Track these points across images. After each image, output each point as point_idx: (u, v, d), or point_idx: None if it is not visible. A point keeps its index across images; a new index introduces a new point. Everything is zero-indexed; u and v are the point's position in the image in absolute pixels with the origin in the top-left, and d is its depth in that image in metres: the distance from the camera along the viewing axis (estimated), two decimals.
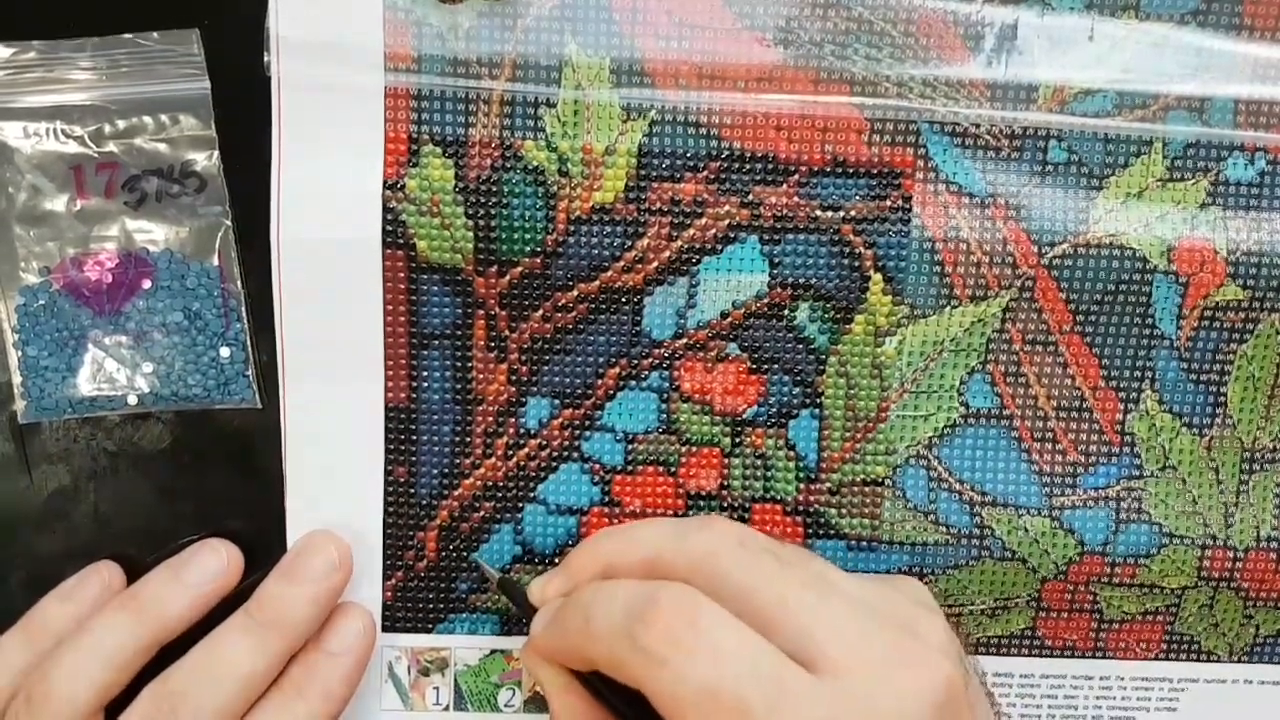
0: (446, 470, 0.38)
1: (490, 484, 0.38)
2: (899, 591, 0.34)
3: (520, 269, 0.37)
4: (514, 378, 0.38)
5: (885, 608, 0.32)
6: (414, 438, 0.38)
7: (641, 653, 0.29)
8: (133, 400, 0.38)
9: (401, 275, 0.37)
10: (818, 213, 0.37)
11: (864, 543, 0.39)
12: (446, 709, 0.40)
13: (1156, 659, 0.40)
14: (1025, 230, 0.37)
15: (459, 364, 0.38)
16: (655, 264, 0.37)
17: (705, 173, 0.37)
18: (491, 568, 0.38)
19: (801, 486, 0.39)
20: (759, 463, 0.38)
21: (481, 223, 0.37)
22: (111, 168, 0.37)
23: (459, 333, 0.37)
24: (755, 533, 0.34)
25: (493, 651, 0.40)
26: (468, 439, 0.38)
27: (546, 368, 0.38)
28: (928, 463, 0.38)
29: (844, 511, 0.39)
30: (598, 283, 0.37)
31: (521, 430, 0.38)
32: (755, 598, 0.31)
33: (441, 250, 0.37)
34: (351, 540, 0.37)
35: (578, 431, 0.38)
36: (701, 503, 0.39)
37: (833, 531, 0.39)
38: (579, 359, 0.38)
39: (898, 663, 0.30)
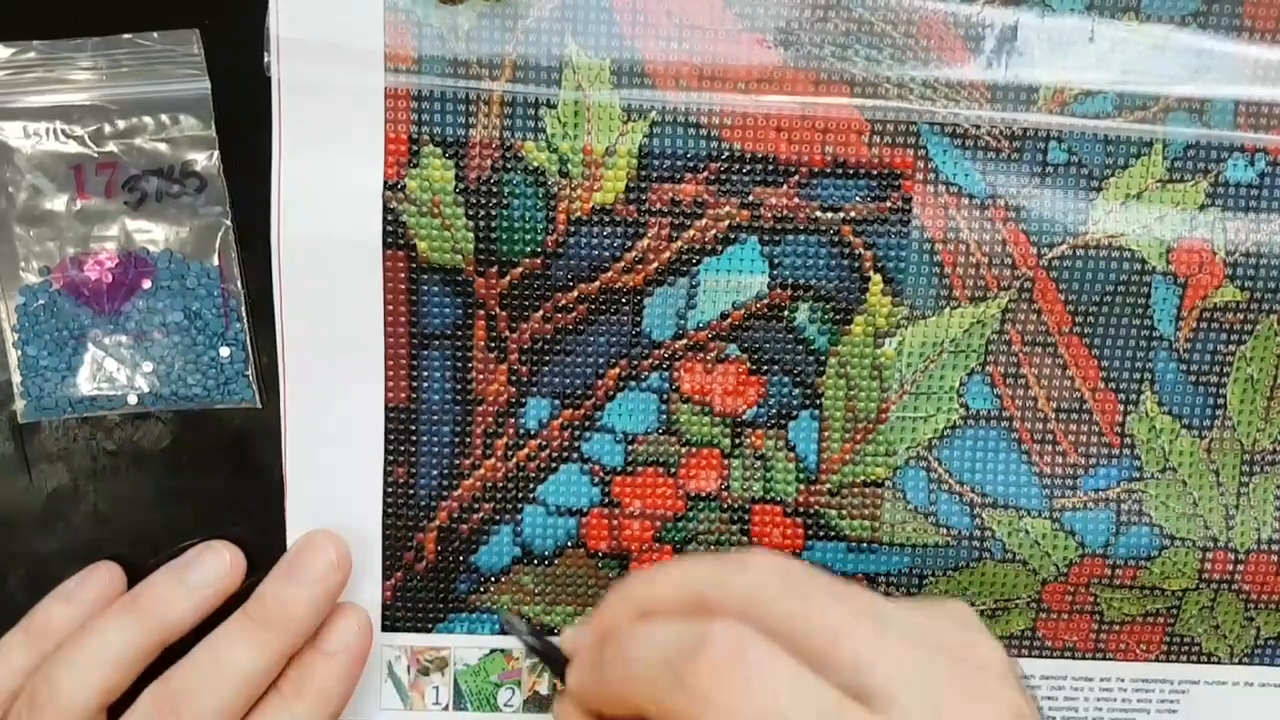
0: (446, 470, 0.38)
1: (490, 484, 0.38)
2: (950, 618, 0.32)
3: (520, 269, 0.37)
4: (514, 378, 0.38)
5: (940, 637, 0.30)
6: (414, 438, 0.38)
7: (689, 691, 0.27)
8: (132, 400, 0.38)
9: (402, 276, 0.37)
10: (818, 214, 0.37)
11: (864, 544, 0.39)
12: (446, 708, 0.40)
13: (1157, 660, 0.40)
14: (1025, 231, 0.37)
15: (459, 364, 0.38)
16: (655, 265, 0.37)
17: (705, 174, 0.37)
18: (520, 620, 0.37)
19: (801, 488, 0.39)
20: (759, 464, 0.38)
21: (482, 223, 0.37)
22: (111, 167, 0.37)
23: (459, 333, 0.37)
24: (800, 563, 0.32)
25: (492, 651, 0.40)
26: (467, 439, 0.38)
27: (546, 368, 0.38)
28: (928, 464, 0.38)
29: (844, 513, 0.39)
30: (598, 283, 0.37)
31: (521, 431, 0.38)
32: (806, 634, 0.29)
33: (442, 251, 0.37)
34: (351, 540, 0.37)
35: (578, 432, 0.38)
36: (701, 504, 0.39)
37: (833, 533, 0.39)
38: (579, 359, 0.38)
39: (960, 696, 0.29)
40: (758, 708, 0.27)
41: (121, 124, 0.37)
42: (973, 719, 0.28)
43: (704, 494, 0.39)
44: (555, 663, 0.34)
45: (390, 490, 0.38)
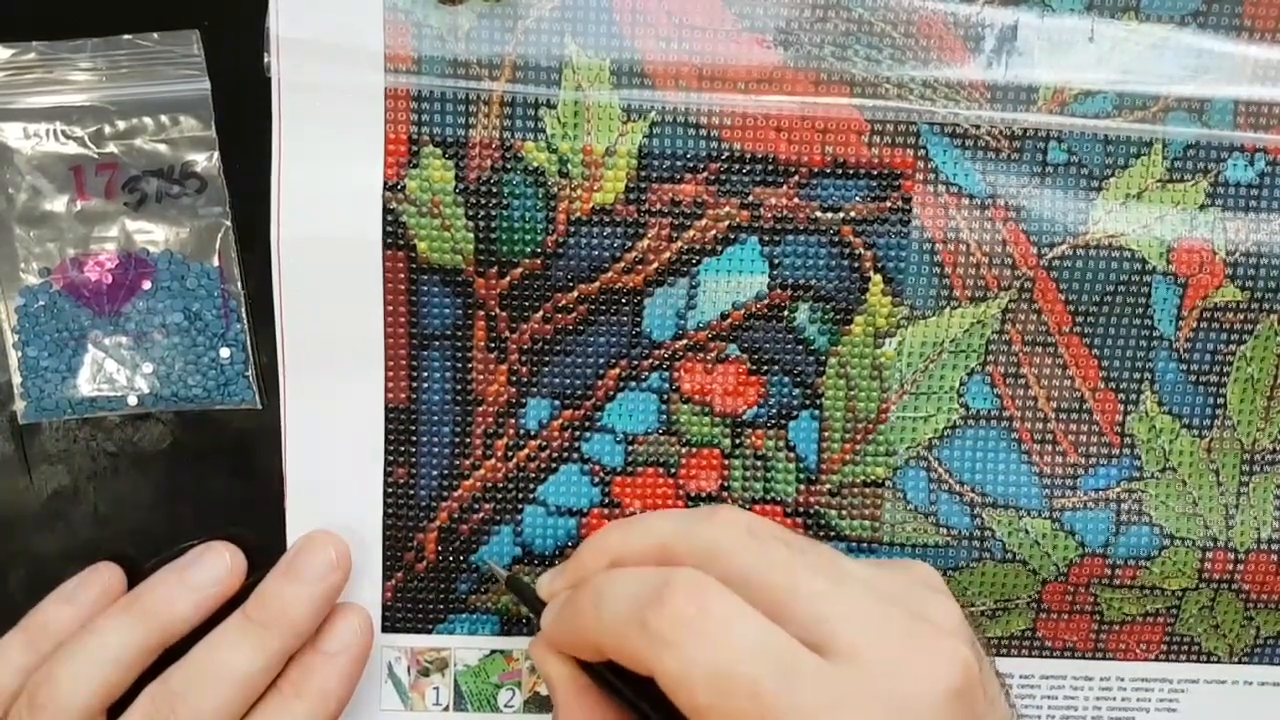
0: (446, 471, 0.38)
1: (490, 485, 0.38)
2: (910, 576, 0.34)
3: (520, 270, 0.37)
4: (514, 378, 0.38)
5: (897, 592, 0.32)
6: (414, 438, 0.38)
7: (651, 636, 0.29)
8: (133, 401, 0.38)
9: (402, 276, 0.37)
10: (818, 214, 0.37)
11: (864, 544, 0.39)
12: (446, 709, 0.40)
13: (1157, 660, 0.40)
14: (1025, 231, 0.37)
15: (459, 365, 0.38)
16: (655, 265, 0.37)
17: (705, 174, 0.37)
18: (499, 565, 0.38)
19: (801, 488, 0.39)
20: (759, 464, 0.38)
21: (482, 224, 0.37)
22: (111, 168, 0.37)
23: (459, 333, 0.37)
24: (764, 520, 0.34)
25: (492, 652, 0.40)
26: (468, 440, 0.38)
27: (546, 369, 0.38)
28: (928, 464, 0.38)
29: (844, 513, 0.39)
30: (598, 284, 0.37)
31: (521, 431, 0.38)
32: (765, 585, 0.30)
33: (442, 251, 0.37)
34: (351, 540, 0.37)
35: (578, 433, 0.38)
36: (701, 504, 0.39)
37: (833, 533, 0.39)
38: (579, 360, 0.38)
39: (912, 647, 0.30)
40: (716, 652, 0.28)
41: (121, 125, 0.37)
42: (924, 670, 0.30)
43: (704, 494, 0.39)
44: (532, 605, 0.36)
45: (390, 490, 0.38)
